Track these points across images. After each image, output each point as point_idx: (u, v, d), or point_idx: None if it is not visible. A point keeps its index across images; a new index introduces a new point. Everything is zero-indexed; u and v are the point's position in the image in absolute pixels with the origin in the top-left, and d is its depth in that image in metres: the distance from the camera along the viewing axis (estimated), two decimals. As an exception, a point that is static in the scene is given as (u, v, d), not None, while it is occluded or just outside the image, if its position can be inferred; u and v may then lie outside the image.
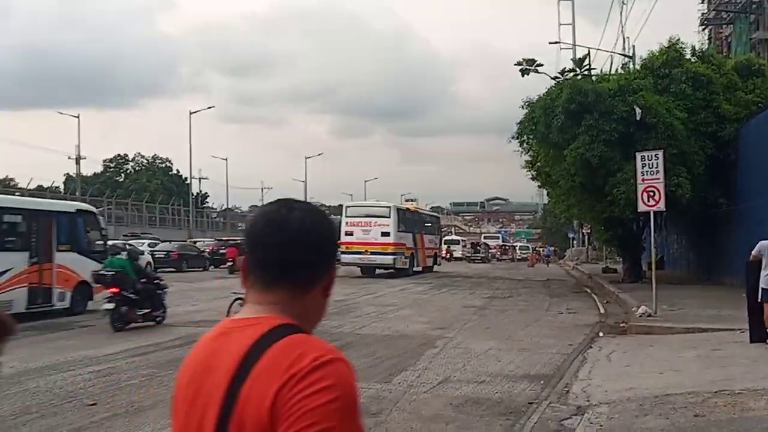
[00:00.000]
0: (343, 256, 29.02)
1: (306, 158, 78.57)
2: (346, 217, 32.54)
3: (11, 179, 69.24)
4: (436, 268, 39.61)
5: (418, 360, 10.41)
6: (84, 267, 16.20)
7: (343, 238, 30.35)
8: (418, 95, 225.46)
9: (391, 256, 31.67)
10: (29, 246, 15.45)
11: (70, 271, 16.17)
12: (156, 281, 14.35)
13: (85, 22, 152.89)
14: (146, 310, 13.73)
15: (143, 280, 13.96)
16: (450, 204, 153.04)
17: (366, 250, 31.40)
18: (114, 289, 13.17)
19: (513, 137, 25.89)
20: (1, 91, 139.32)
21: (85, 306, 16.26)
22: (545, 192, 44.29)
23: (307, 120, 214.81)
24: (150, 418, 7.07)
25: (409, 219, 35.57)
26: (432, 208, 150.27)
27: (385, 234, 31.57)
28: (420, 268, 36.09)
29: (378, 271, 32.55)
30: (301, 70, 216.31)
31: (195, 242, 42.38)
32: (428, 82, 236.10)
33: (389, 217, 32.36)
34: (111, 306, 13.07)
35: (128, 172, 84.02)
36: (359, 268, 32.36)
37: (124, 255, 14.36)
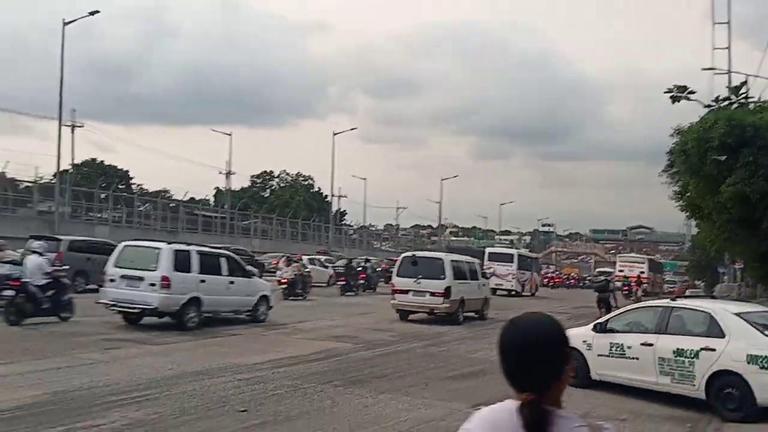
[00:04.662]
0: (616, 282, 43.49)
1: (442, 180, 78.82)
2: (620, 262, 56.79)
3: (167, 191, 74.64)
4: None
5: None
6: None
7: (617, 273, 50.50)
8: (562, 118, 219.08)
9: (645, 285, 50.49)
10: (528, 268, 40.64)
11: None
12: None
13: (245, 45, 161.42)
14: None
15: None
16: (590, 231, 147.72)
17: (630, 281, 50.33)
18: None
19: (664, 170, 24.62)
20: (160, 108, 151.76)
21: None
22: (693, 223, 42.56)
23: (446, 141, 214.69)
24: (297, 428, 7.44)
25: (653, 264, 59.30)
26: (570, 234, 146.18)
27: (642, 272, 52.07)
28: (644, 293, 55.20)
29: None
30: (443, 90, 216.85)
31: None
32: (573, 105, 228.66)
33: (644, 263, 54.95)
34: None
35: (273, 188, 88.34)
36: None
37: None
